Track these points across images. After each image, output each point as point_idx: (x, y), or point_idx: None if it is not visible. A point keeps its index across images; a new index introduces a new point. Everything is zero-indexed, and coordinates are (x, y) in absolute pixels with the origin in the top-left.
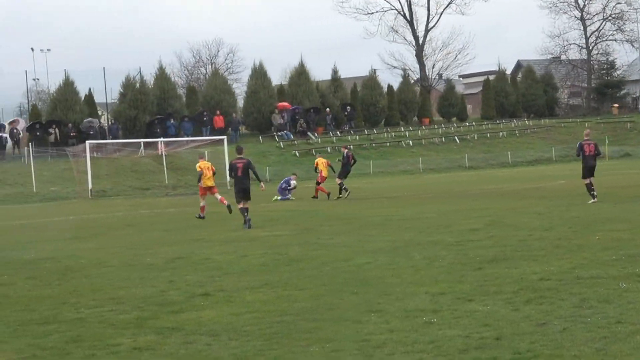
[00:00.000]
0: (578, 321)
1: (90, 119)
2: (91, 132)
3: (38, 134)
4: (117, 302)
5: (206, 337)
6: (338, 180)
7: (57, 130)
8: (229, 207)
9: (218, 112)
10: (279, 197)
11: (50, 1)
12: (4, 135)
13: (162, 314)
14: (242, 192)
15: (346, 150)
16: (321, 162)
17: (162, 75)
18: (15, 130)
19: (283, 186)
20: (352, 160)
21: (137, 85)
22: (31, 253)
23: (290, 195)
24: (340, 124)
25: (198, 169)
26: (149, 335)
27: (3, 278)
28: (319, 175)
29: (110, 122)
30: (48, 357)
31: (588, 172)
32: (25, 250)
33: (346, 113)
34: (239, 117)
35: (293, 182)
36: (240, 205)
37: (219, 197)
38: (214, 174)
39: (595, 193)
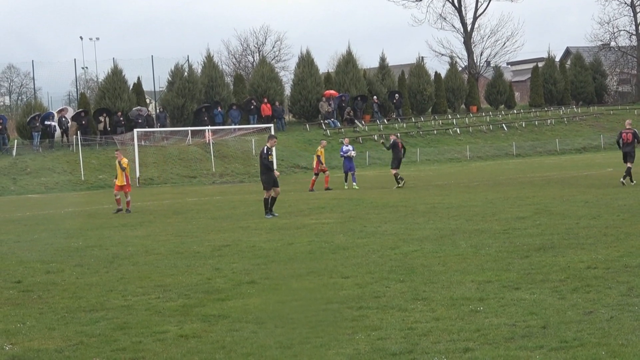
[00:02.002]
0: (625, 309)
1: (139, 107)
2: (139, 121)
3: (83, 122)
4: (164, 290)
5: (252, 324)
6: (393, 171)
7: (107, 119)
8: (120, 210)
9: (265, 100)
10: (355, 184)
11: None
12: (53, 123)
13: (208, 302)
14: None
15: (394, 137)
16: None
17: (209, 63)
18: (63, 119)
19: (345, 155)
20: (402, 149)
21: (185, 73)
22: (79, 241)
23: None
24: (387, 112)
25: (127, 164)
26: (195, 323)
27: (51, 266)
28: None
29: (158, 111)
30: (95, 344)
31: (624, 157)
32: (74, 238)
33: (394, 101)
34: (283, 105)
35: (350, 151)
36: (265, 196)
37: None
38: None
39: (623, 180)
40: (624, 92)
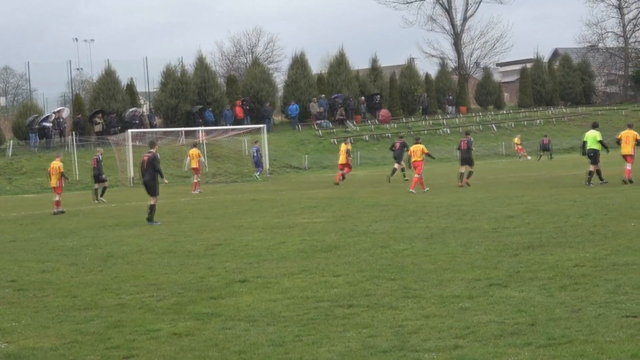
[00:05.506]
0: (612, 307)
1: (134, 108)
2: (136, 121)
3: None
4: (157, 288)
5: (244, 322)
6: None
7: (103, 120)
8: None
9: (238, 103)
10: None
11: None
12: (48, 124)
13: (201, 300)
14: None
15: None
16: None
17: (202, 64)
18: (60, 119)
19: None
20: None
21: (178, 74)
22: (74, 240)
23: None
24: (353, 115)
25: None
26: (188, 321)
27: (46, 265)
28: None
29: (150, 111)
30: (90, 343)
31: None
32: (68, 237)
33: (375, 102)
34: (271, 106)
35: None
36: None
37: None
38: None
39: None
40: (612, 93)
